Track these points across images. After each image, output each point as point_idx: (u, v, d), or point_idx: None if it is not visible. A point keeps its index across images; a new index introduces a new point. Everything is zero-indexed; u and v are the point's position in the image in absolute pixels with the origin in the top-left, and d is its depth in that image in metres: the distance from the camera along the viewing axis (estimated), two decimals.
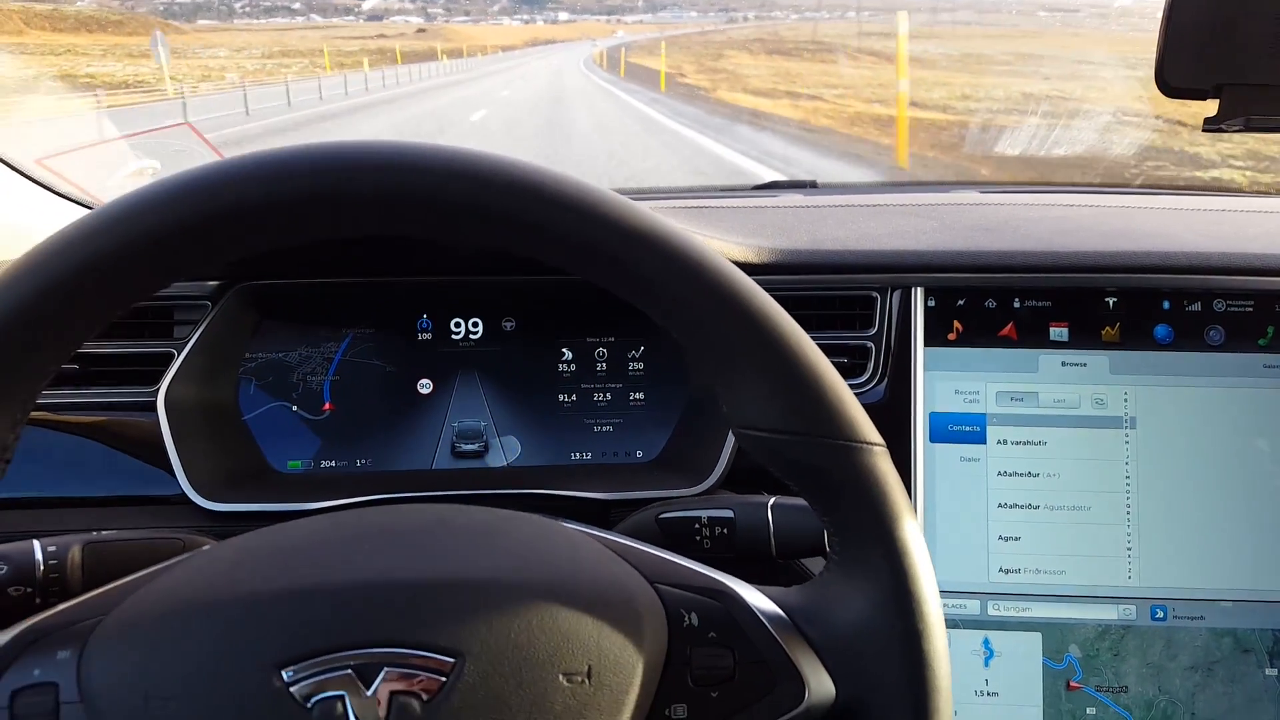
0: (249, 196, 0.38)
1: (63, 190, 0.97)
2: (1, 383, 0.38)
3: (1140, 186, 1.37)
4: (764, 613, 0.43)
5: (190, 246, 0.38)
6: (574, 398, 0.87)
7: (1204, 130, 0.65)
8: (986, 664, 0.77)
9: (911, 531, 0.41)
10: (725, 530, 0.63)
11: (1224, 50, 0.64)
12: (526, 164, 0.39)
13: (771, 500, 0.63)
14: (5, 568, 0.55)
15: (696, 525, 0.64)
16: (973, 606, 0.77)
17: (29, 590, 0.55)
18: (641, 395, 0.87)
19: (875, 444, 0.41)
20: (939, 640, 0.40)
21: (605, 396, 0.87)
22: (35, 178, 0.94)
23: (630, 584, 0.43)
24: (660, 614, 0.43)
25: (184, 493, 0.75)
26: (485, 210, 0.38)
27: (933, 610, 0.40)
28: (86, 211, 0.92)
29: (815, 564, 0.76)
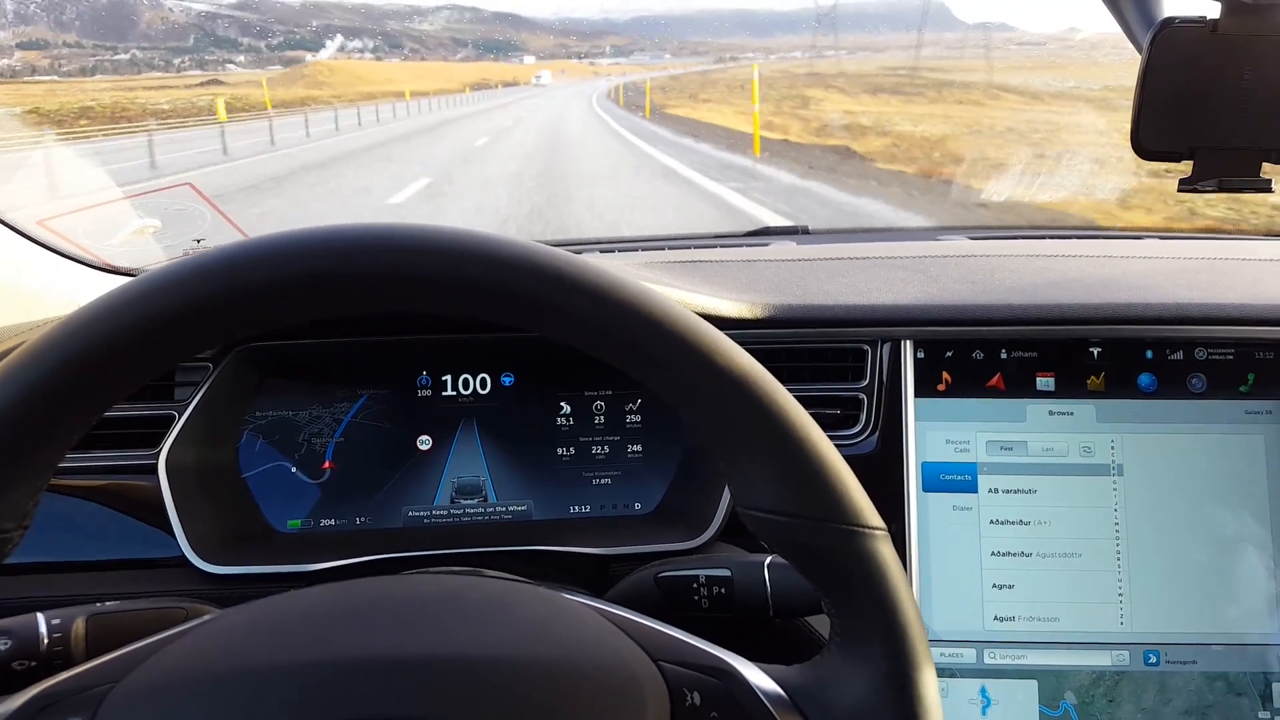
0: (275, 275, 0.39)
1: (65, 250, 0.99)
2: (26, 452, 0.39)
3: (1123, 230, 1.40)
4: (765, 692, 0.44)
5: (217, 322, 0.40)
6: (572, 451, 0.88)
7: (1179, 191, 0.68)
8: (984, 712, 0.78)
9: (911, 616, 0.42)
10: (723, 590, 0.64)
11: (1196, 115, 0.67)
12: (541, 247, 0.41)
13: (768, 560, 0.64)
14: (10, 642, 0.55)
15: (694, 585, 0.65)
16: (969, 655, 0.78)
17: (33, 664, 0.56)
18: (639, 448, 0.88)
19: (877, 529, 0.42)
20: None
21: (603, 449, 0.88)
22: (37, 239, 0.95)
23: (634, 662, 0.44)
24: (663, 693, 0.43)
25: (184, 555, 0.75)
26: (499, 291, 0.40)
27: (930, 694, 0.41)
28: (88, 270, 0.92)
29: (815, 621, 0.77)
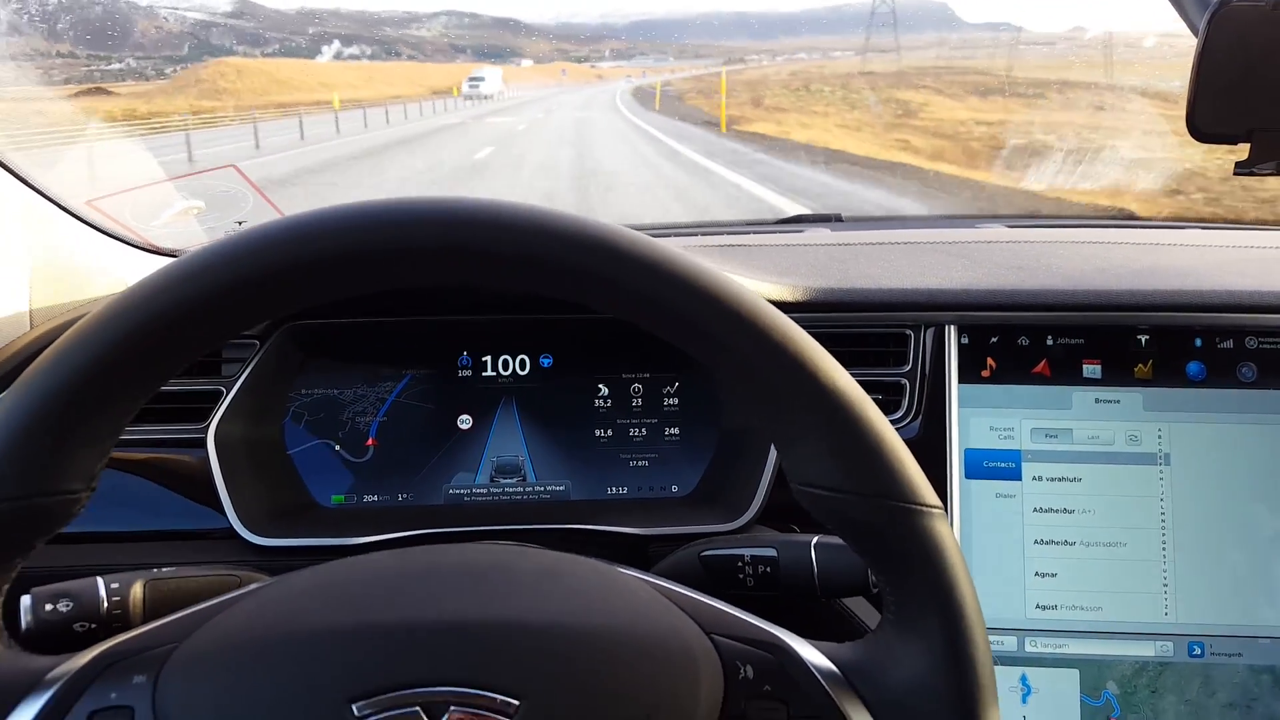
0: (339, 247, 0.40)
1: (111, 230, 1.00)
2: (99, 413, 0.40)
3: (1166, 220, 1.38)
4: (818, 668, 0.44)
5: (284, 291, 0.40)
6: (610, 433, 0.88)
7: (1235, 174, 0.66)
8: (1024, 700, 0.77)
9: (968, 594, 0.41)
10: (768, 569, 0.64)
11: (1254, 95, 0.65)
12: (600, 222, 0.41)
13: (815, 539, 0.64)
14: (71, 604, 0.57)
15: (739, 563, 0.65)
16: (1010, 643, 0.78)
17: (93, 626, 0.57)
18: (676, 431, 0.88)
19: (934, 508, 0.42)
20: (991, 703, 0.41)
21: (641, 432, 0.88)
22: (87, 219, 0.97)
23: (687, 634, 0.44)
24: (716, 665, 0.43)
25: (231, 527, 0.77)
26: (562, 265, 0.40)
27: (986, 674, 0.41)
28: (133, 250, 0.94)
29: (850, 603, 0.77)
